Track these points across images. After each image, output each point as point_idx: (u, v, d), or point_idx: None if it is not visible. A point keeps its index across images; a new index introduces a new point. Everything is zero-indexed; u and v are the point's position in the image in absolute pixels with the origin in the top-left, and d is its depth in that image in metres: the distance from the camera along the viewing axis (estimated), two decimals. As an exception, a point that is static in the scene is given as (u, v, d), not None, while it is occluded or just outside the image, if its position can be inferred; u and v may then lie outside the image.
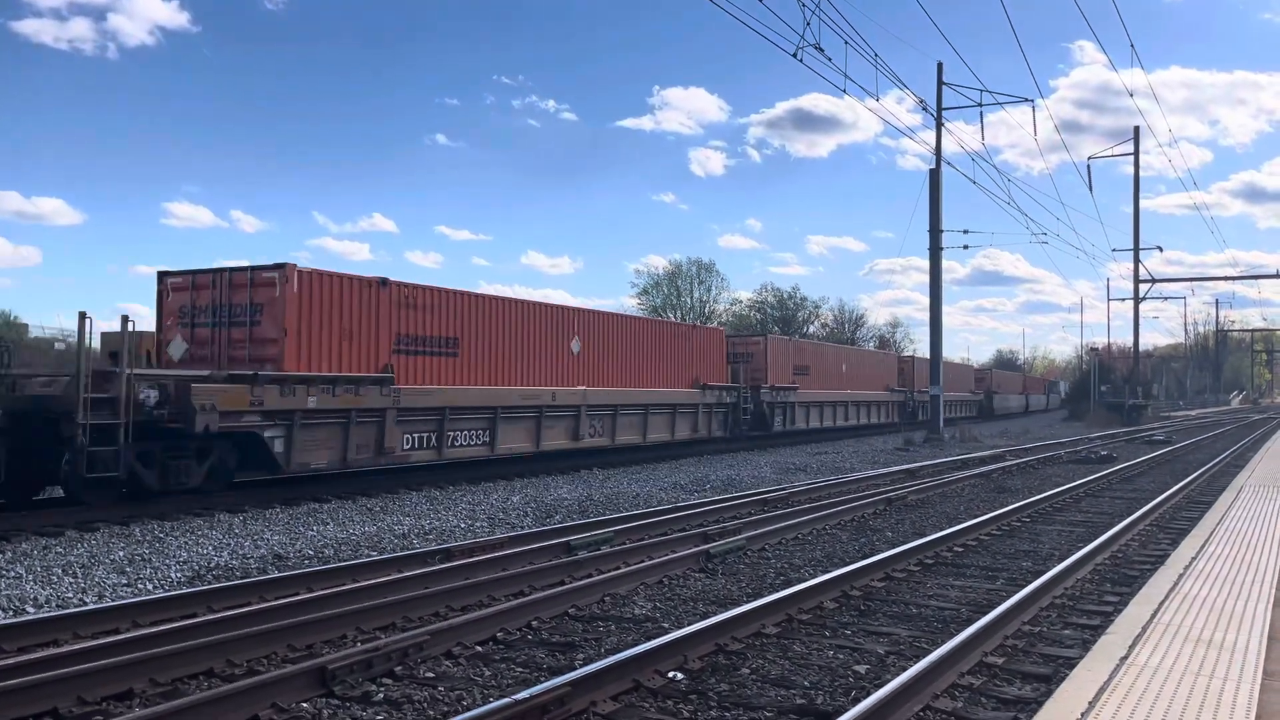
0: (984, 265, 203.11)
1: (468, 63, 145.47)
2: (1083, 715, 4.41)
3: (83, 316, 12.61)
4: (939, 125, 34.74)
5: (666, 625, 7.64)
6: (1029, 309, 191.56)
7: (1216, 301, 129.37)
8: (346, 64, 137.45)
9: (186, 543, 11.20)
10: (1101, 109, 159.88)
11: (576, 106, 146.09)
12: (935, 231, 34.72)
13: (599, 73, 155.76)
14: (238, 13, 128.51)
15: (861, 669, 6.50)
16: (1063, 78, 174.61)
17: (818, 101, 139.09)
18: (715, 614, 7.52)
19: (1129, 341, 68.39)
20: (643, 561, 9.90)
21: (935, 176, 34.80)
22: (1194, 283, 68.75)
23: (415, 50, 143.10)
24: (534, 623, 7.57)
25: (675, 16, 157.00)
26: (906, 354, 52.96)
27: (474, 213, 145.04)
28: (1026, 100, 35.19)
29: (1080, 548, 10.93)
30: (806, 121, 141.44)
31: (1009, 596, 8.22)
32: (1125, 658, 5.37)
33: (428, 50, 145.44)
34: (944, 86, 35.15)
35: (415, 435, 17.49)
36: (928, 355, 51.70)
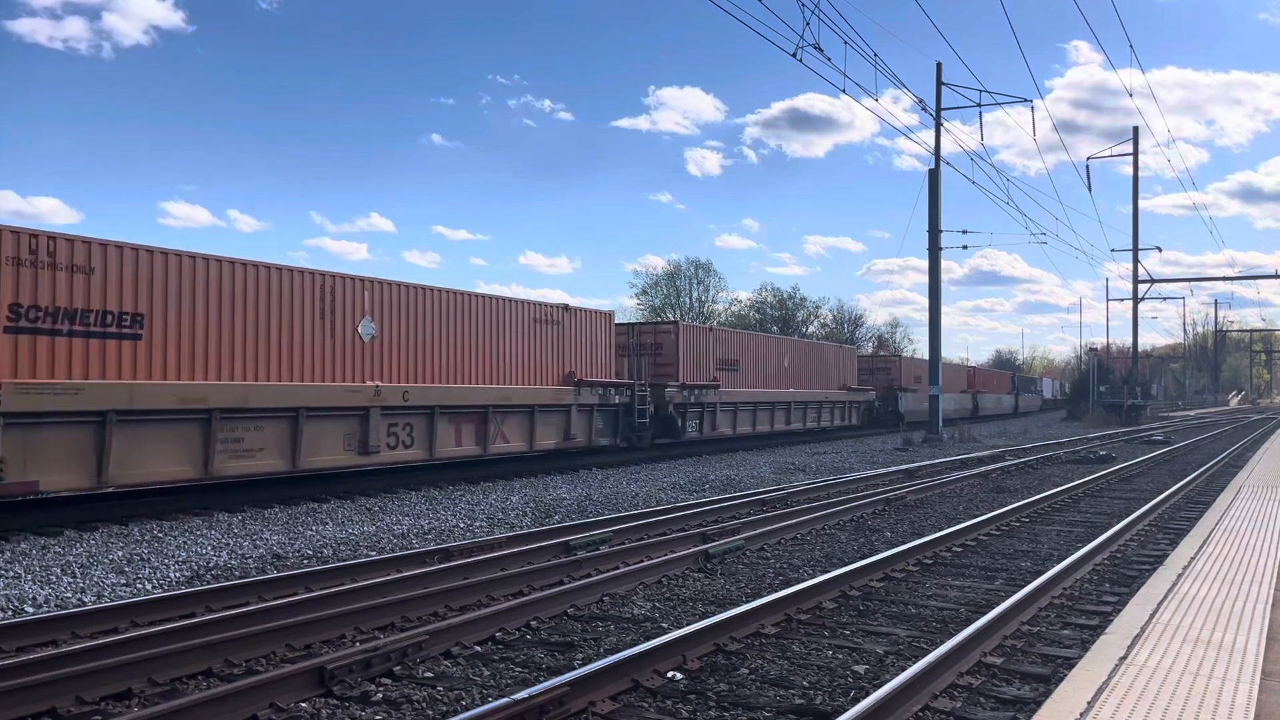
0: (981, 265, 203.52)
1: (463, 62, 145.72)
2: (1081, 715, 4.41)
3: None
4: (938, 125, 34.77)
5: (665, 625, 7.64)
6: (1027, 309, 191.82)
7: (1215, 302, 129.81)
8: (341, 63, 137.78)
9: (185, 542, 11.20)
10: (1098, 109, 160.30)
11: (572, 106, 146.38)
12: (934, 232, 34.73)
13: (594, 72, 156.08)
14: (232, 12, 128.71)
15: (860, 669, 6.50)
16: (1058, 78, 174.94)
17: (814, 101, 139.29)
18: (714, 614, 7.52)
19: (1128, 341, 68.39)
20: (641, 561, 9.90)
21: (934, 177, 34.81)
22: (1192, 283, 68.86)
23: (410, 49, 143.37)
24: (533, 622, 7.57)
25: (670, 16, 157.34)
26: (887, 353, 49.21)
27: (471, 212, 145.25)
28: (1025, 101, 35.23)
29: (1079, 548, 10.93)
30: (803, 121, 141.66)
31: (1008, 596, 8.23)
32: (1124, 658, 5.37)
33: (423, 49, 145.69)
34: (943, 86, 35.18)
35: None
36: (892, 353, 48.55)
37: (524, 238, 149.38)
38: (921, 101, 31.07)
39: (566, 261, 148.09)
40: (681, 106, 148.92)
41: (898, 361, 45.47)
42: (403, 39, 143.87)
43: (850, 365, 38.54)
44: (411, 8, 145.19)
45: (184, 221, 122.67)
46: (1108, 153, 64.44)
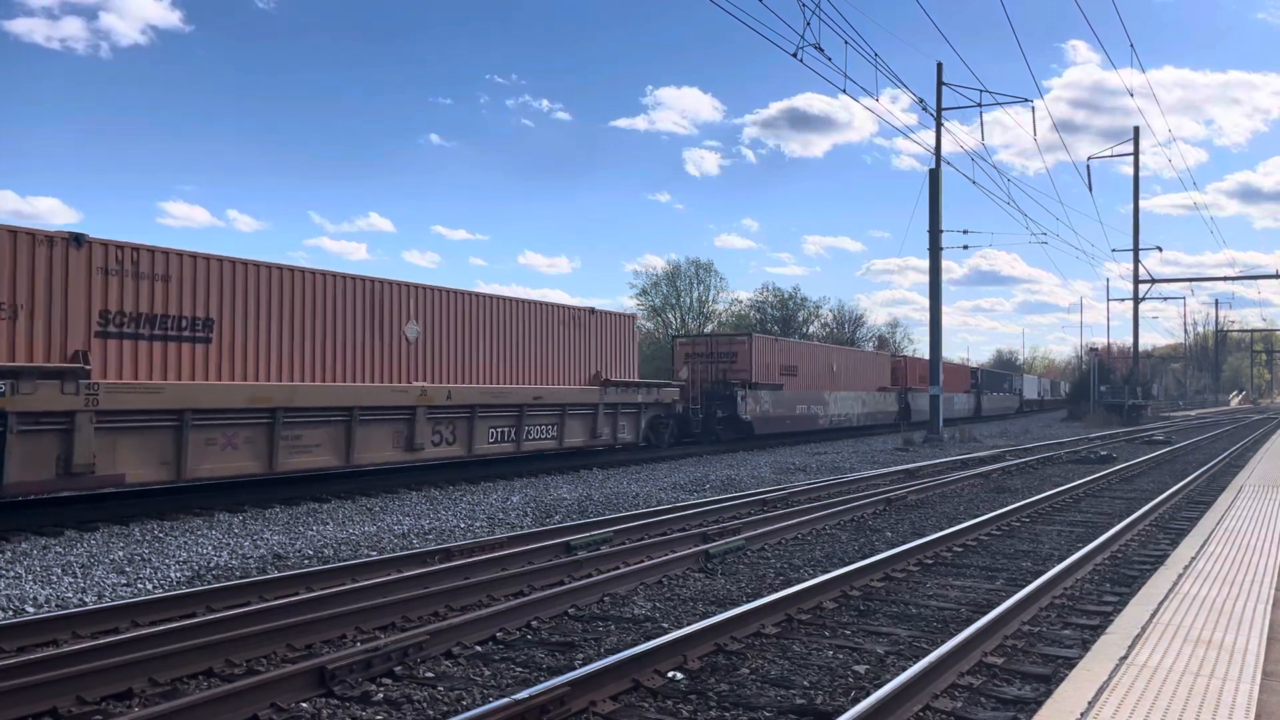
0: (980, 265, 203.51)
1: (460, 61, 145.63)
2: (1082, 715, 4.40)
3: None
4: (939, 125, 34.77)
5: (666, 625, 7.64)
6: (1026, 309, 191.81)
7: (1216, 302, 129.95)
8: (338, 62, 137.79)
9: (186, 542, 11.20)
10: (1096, 109, 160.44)
11: (570, 106, 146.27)
12: (935, 232, 34.72)
13: (592, 73, 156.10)
14: (229, 12, 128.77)
15: (861, 669, 6.50)
16: (1055, 78, 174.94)
17: (812, 101, 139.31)
18: (715, 614, 7.52)
19: (1128, 341, 68.25)
20: (642, 561, 9.90)
21: (935, 176, 34.81)
22: (1193, 283, 68.75)
23: (407, 49, 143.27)
24: (533, 622, 7.57)
25: (667, 17, 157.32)
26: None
27: (470, 212, 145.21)
28: (1026, 101, 35.24)
29: (1080, 548, 10.93)
30: (801, 121, 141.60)
31: (1009, 596, 8.23)
32: (1125, 658, 5.37)
33: (419, 49, 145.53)
34: (944, 86, 35.17)
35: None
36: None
37: (523, 238, 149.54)
38: (922, 101, 31.10)
39: (566, 261, 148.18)
40: (679, 106, 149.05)
41: (747, 345, 29.98)
42: (398, 38, 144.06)
43: (621, 343, 23.66)
44: (407, 7, 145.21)
45: (183, 221, 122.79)
46: (1108, 153, 64.45)
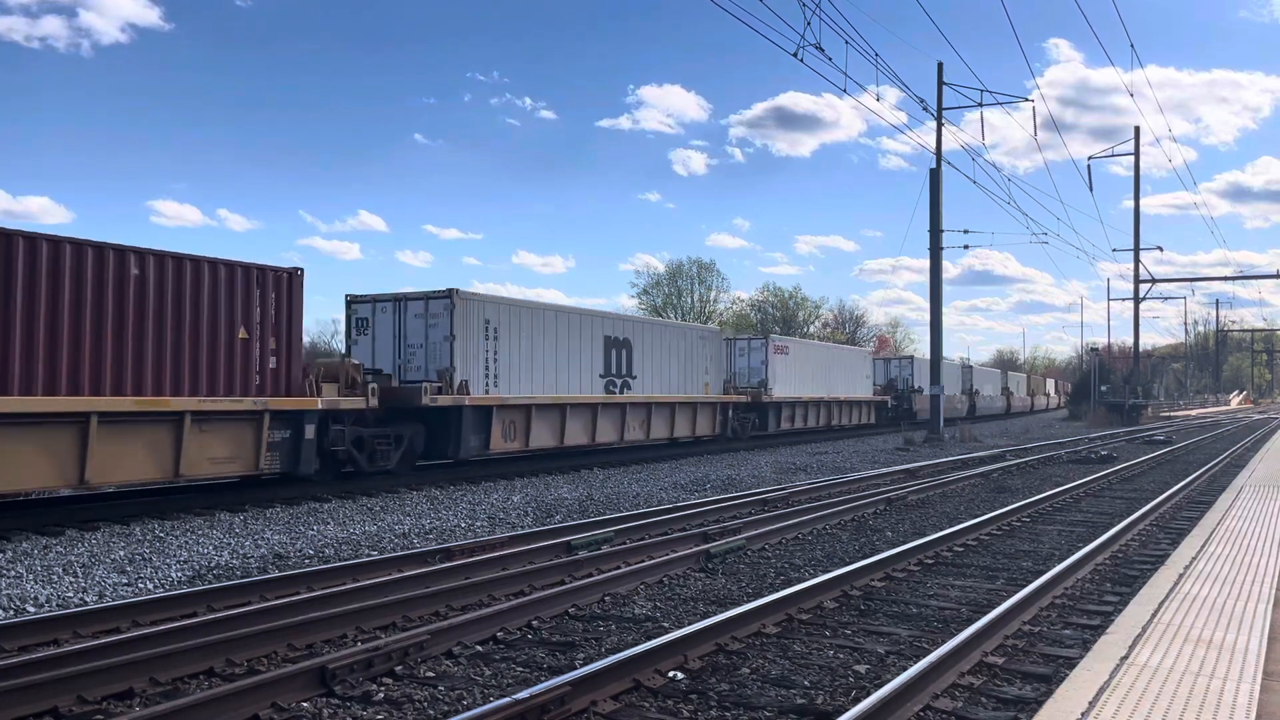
0: (974, 265, 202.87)
1: (440, 60, 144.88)
2: (1083, 715, 4.41)
3: None
4: (939, 125, 34.77)
5: (667, 625, 7.64)
6: (1022, 309, 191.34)
7: (1217, 302, 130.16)
8: (318, 61, 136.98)
9: (187, 542, 11.21)
10: (1084, 107, 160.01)
11: (553, 104, 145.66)
12: (935, 232, 34.72)
13: (571, 71, 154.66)
14: (208, 10, 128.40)
15: (861, 669, 6.50)
16: (1038, 77, 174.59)
17: (799, 100, 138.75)
18: (715, 614, 7.52)
19: (1128, 341, 68.19)
20: (643, 561, 9.91)
21: (936, 176, 34.81)
22: (1194, 283, 68.71)
23: (386, 47, 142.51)
24: (534, 622, 7.57)
25: (646, 14, 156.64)
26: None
27: (461, 212, 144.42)
28: (1027, 100, 35.29)
29: (1080, 548, 10.94)
30: (789, 120, 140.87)
31: (1009, 596, 8.23)
32: (1125, 658, 5.37)
33: (399, 47, 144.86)
34: (944, 86, 35.17)
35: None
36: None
37: (517, 237, 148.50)
38: (923, 101, 31.13)
39: (560, 261, 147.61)
40: (664, 105, 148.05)
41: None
42: (377, 37, 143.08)
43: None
44: (387, 5, 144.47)
45: (176, 221, 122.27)
46: (1108, 152, 64.39)
